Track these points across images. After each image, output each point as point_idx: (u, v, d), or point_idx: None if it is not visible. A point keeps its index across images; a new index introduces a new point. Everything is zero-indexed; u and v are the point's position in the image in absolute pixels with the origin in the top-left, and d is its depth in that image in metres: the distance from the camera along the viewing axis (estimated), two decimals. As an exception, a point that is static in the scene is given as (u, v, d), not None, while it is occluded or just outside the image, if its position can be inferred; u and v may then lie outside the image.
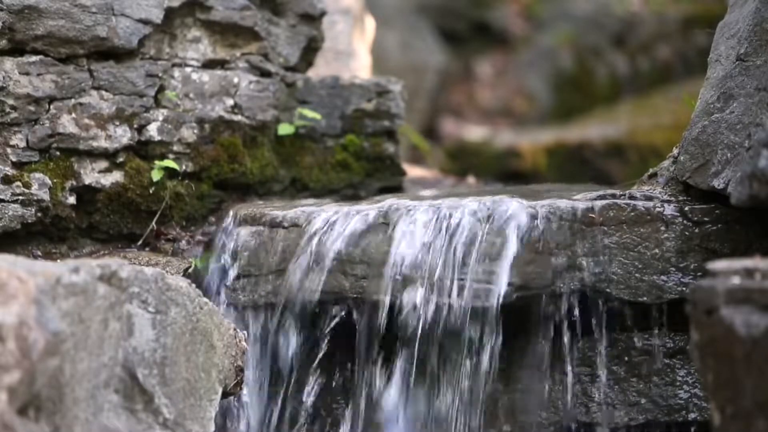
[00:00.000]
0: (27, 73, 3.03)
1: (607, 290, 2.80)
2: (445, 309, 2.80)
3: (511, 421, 2.87)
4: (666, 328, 2.83)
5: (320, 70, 3.79)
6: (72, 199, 3.09)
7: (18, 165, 3.03)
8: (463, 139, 6.61)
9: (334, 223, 2.91)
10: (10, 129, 3.02)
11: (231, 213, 3.11)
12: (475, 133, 6.75)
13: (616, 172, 5.60)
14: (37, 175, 3.03)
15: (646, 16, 7.31)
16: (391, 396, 2.87)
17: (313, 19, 3.45)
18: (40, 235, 3.09)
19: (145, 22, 3.15)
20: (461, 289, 2.79)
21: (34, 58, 3.04)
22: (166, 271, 2.56)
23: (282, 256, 2.94)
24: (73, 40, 3.07)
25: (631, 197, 2.88)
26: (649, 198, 2.88)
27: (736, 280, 2.08)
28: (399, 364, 2.85)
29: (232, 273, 3.00)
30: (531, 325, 2.85)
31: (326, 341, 2.93)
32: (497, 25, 7.77)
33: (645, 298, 2.81)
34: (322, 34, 3.49)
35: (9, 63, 3.02)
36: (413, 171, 3.99)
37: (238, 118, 3.28)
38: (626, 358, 2.84)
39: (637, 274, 2.81)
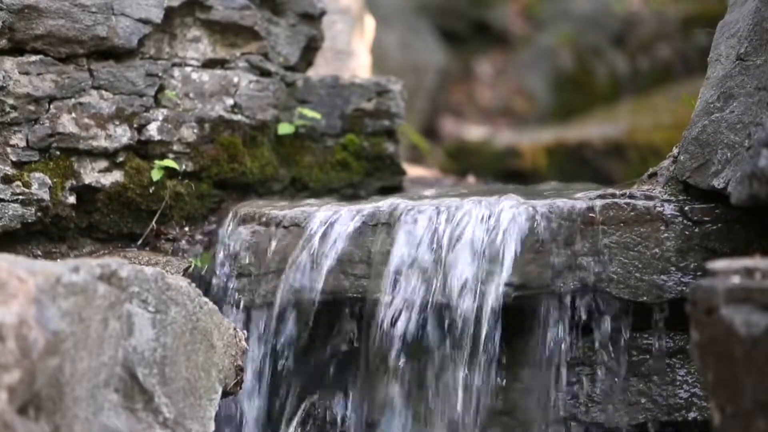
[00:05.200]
0: (27, 73, 3.03)
1: (607, 290, 2.80)
2: (445, 308, 2.80)
3: (512, 419, 2.87)
4: (666, 328, 2.83)
5: (320, 69, 3.79)
6: (72, 199, 3.09)
7: (18, 164, 3.03)
8: (463, 139, 6.61)
9: (334, 223, 2.91)
10: (10, 128, 3.02)
11: (231, 212, 3.11)
12: (475, 132, 6.75)
13: (616, 172, 5.60)
14: (37, 174, 3.03)
15: (646, 16, 7.31)
16: (393, 395, 2.87)
17: (313, 18, 3.45)
18: (40, 234, 3.09)
19: (145, 21, 3.15)
20: (461, 288, 2.79)
21: (34, 58, 3.04)
22: (166, 271, 2.56)
23: (282, 256, 2.94)
24: (73, 40, 3.07)
25: (631, 197, 2.88)
26: (649, 197, 2.88)
27: (736, 280, 2.08)
28: (399, 364, 2.85)
29: (232, 272, 3.00)
30: (531, 325, 2.85)
31: (326, 340, 2.93)
32: (497, 25, 7.77)
33: (645, 298, 2.81)
34: (322, 34, 3.49)
35: (9, 63, 3.02)
36: (413, 170, 3.99)
37: (238, 117, 3.28)
38: (626, 358, 2.84)
39: (637, 274, 2.81)
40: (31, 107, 3.03)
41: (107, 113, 3.11)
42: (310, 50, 3.49)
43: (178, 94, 3.22)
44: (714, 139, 2.84)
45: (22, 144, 3.04)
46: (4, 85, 3.00)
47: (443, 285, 2.80)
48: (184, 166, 3.21)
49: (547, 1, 7.86)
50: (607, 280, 2.80)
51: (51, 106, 3.06)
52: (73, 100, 3.08)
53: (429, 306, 2.81)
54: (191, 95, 3.24)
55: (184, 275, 2.95)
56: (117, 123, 3.13)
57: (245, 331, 2.66)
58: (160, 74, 3.19)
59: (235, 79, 3.29)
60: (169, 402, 2.38)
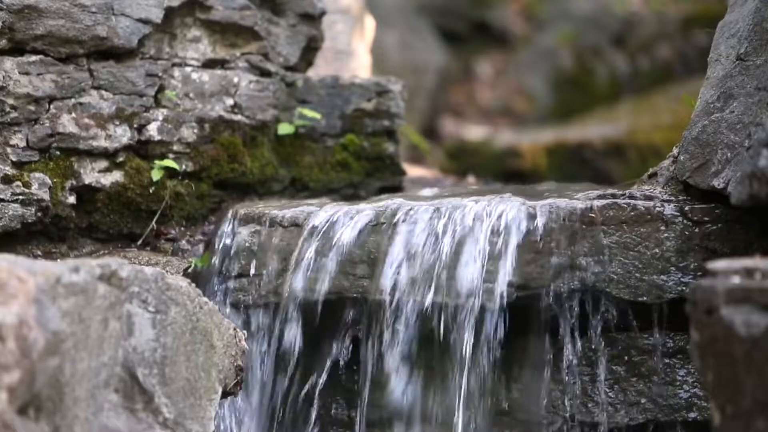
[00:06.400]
0: (27, 73, 3.03)
1: (607, 290, 2.80)
2: (446, 308, 2.80)
3: (512, 420, 2.87)
4: (666, 328, 2.83)
5: (320, 69, 3.79)
6: (72, 199, 3.09)
7: (18, 165, 3.03)
8: (463, 139, 6.61)
9: (334, 223, 2.91)
10: (10, 129, 3.02)
11: (231, 212, 3.11)
12: (475, 132, 6.75)
13: (616, 172, 5.60)
14: (37, 174, 3.03)
15: (646, 16, 7.31)
16: (394, 395, 2.87)
17: (313, 18, 3.45)
18: (40, 234, 3.09)
19: (145, 21, 3.15)
20: (461, 288, 2.79)
21: (34, 58, 3.04)
22: (166, 271, 2.56)
23: (282, 256, 2.94)
24: (73, 40, 3.07)
25: (631, 197, 2.88)
26: (649, 198, 2.88)
27: (736, 280, 2.08)
28: (400, 364, 2.85)
29: (232, 272, 3.00)
30: (531, 325, 2.85)
31: (327, 340, 2.93)
32: (497, 25, 7.77)
33: (645, 298, 2.80)
34: (322, 34, 3.49)
35: (9, 63, 3.02)
36: (413, 170, 3.99)
37: (238, 117, 3.28)
38: (626, 358, 2.84)
39: (637, 274, 2.81)
40: (31, 107, 3.03)
41: (107, 113, 3.11)
42: (310, 50, 3.49)
43: (178, 94, 3.22)
44: (714, 139, 2.84)
45: (22, 144, 3.03)
46: (4, 85, 3.00)
47: (443, 285, 2.80)
48: (184, 166, 3.21)
49: (547, 1, 7.86)
50: (607, 280, 2.80)
51: (51, 106, 3.06)
52: (73, 100, 3.08)
53: (429, 306, 2.81)
54: (191, 95, 3.24)
55: (184, 275, 2.95)
56: (117, 123, 3.13)
57: (245, 331, 2.66)
58: (160, 74, 3.19)
59: (235, 79, 3.29)
60: (169, 402, 2.38)
